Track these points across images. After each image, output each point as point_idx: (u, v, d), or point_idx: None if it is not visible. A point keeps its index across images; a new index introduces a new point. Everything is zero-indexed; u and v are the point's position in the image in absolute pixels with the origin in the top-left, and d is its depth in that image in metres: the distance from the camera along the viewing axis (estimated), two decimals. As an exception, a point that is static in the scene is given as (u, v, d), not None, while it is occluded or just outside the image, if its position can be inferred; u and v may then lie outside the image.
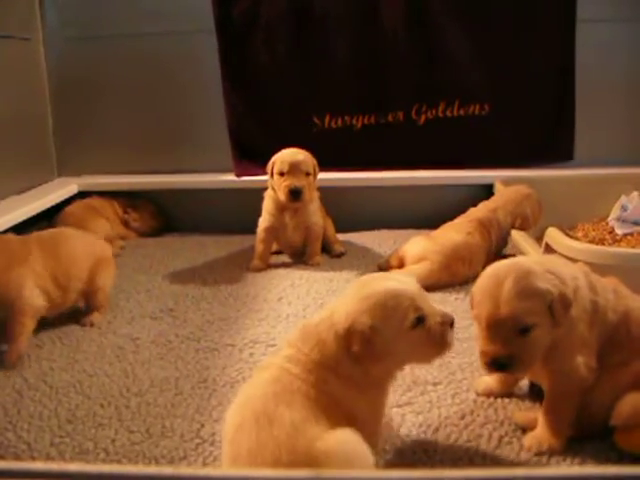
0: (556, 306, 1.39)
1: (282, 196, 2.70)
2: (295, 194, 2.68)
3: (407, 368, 1.80)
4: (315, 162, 2.78)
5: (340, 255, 2.91)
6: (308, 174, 2.72)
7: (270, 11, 3.27)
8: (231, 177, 3.36)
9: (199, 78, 3.43)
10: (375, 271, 2.60)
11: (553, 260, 1.53)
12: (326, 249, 2.94)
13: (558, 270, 1.46)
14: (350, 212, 3.24)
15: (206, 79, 3.38)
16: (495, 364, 1.41)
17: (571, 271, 1.49)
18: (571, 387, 1.45)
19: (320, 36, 3.27)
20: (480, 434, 1.51)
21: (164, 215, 3.43)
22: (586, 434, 1.47)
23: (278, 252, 2.97)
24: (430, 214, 2.94)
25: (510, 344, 1.38)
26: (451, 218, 2.71)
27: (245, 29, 3.27)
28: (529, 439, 1.47)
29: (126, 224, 3.30)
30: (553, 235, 2.16)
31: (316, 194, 2.87)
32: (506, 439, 1.50)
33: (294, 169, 2.69)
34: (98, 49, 3.44)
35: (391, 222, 3.23)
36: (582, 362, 1.45)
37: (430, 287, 2.39)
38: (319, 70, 3.30)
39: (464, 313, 2.16)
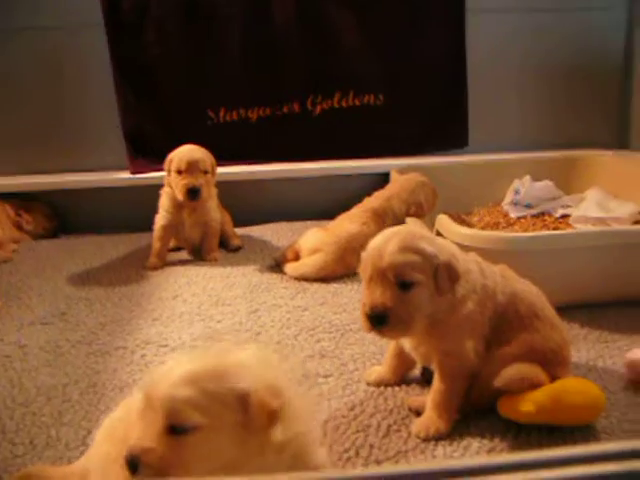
0: (441, 272, 1.41)
1: (180, 195, 2.67)
2: (193, 193, 2.65)
3: (299, 362, 1.83)
4: (213, 160, 2.75)
5: (237, 249, 2.90)
6: (206, 172, 2.69)
7: (160, 4, 3.20)
8: (126, 175, 3.30)
9: (91, 74, 3.33)
10: (271, 265, 2.62)
11: (449, 242, 1.56)
12: (224, 244, 2.92)
13: (451, 246, 1.51)
14: (248, 206, 3.23)
15: (98, 75, 3.28)
16: (373, 316, 1.40)
17: (464, 255, 1.53)
18: (460, 370, 1.48)
19: (212, 29, 3.22)
20: (369, 424, 1.52)
21: (58, 216, 3.34)
22: (475, 407, 1.51)
23: (177, 249, 2.94)
24: (328, 205, 2.95)
25: (390, 297, 1.39)
26: (348, 209, 2.71)
27: (135, 23, 3.19)
28: (417, 425, 1.49)
29: (19, 227, 3.20)
30: (443, 222, 2.20)
31: (214, 191, 2.85)
32: (394, 427, 1.51)
33: (192, 167, 2.65)
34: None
35: (289, 214, 3.24)
36: (471, 346, 1.48)
37: (325, 278, 2.42)
38: (212, 63, 3.26)
39: (358, 304, 2.18)
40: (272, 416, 1.06)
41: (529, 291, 1.59)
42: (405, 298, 1.40)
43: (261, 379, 1.08)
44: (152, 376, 1.09)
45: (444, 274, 1.41)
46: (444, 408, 1.48)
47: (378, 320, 1.40)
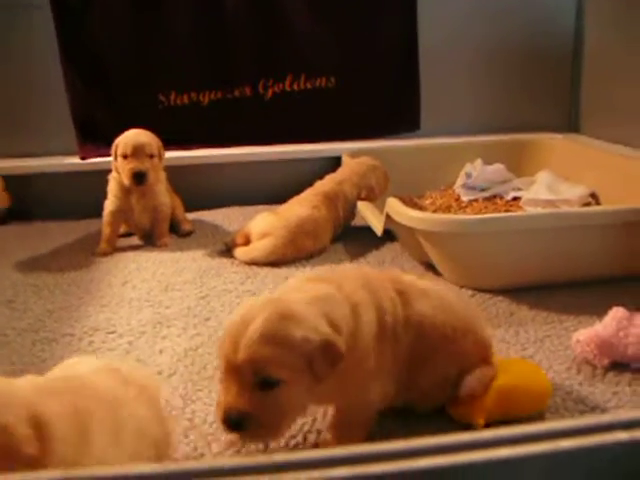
0: (317, 359, 1.14)
1: (126, 179, 2.64)
2: (138, 178, 2.62)
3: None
4: (160, 144, 2.72)
5: (188, 234, 2.87)
6: (152, 156, 2.67)
7: (107, -15, 3.13)
8: (76, 160, 3.24)
9: (38, 57, 3.25)
10: (222, 249, 2.60)
11: (331, 297, 1.25)
12: (175, 229, 2.90)
13: (333, 310, 1.22)
14: (200, 190, 3.20)
15: (45, 58, 3.21)
16: (228, 421, 1.12)
17: (354, 302, 1.27)
18: (362, 417, 1.34)
19: (161, 11, 3.16)
20: (316, 410, 1.52)
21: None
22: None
23: (128, 234, 2.90)
24: (280, 189, 2.93)
25: (247, 400, 1.12)
26: (299, 192, 2.71)
27: (81, 5, 3.12)
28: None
29: None
30: (392, 205, 2.20)
31: (163, 175, 2.82)
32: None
33: (137, 152, 2.63)
34: None
35: (241, 199, 3.21)
36: (376, 387, 1.31)
37: (276, 262, 2.42)
38: (162, 46, 3.20)
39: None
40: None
41: (431, 313, 1.37)
42: (267, 400, 1.12)
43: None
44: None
45: (321, 360, 1.14)
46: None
47: (234, 425, 1.13)
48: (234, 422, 1.12)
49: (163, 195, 2.80)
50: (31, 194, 3.27)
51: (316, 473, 0.67)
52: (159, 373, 1.69)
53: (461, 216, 2.57)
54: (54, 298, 2.25)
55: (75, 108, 3.23)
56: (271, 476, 0.67)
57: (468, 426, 1.39)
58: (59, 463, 0.89)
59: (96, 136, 3.21)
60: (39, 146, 3.31)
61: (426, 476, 0.69)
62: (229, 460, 0.69)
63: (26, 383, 0.98)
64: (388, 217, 2.24)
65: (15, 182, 3.22)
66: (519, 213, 2.59)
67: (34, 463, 0.87)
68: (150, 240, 2.81)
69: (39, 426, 0.90)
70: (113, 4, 3.15)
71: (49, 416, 0.92)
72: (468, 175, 3.07)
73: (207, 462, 0.70)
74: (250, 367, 1.11)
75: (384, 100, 3.36)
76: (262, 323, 1.12)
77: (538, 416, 1.42)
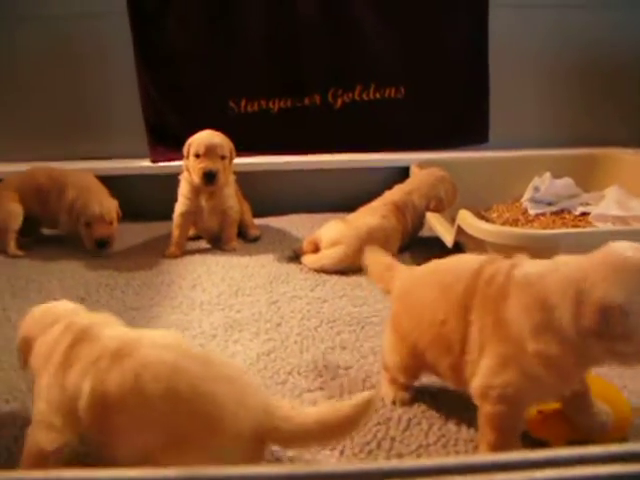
0: None
1: (197, 179, 2.67)
2: (209, 177, 2.65)
3: (319, 352, 1.82)
4: (232, 145, 2.75)
5: (255, 239, 2.89)
6: (224, 157, 2.69)
7: (184, -7, 3.19)
8: (147, 163, 3.30)
9: (113, 62, 3.31)
10: (290, 256, 2.61)
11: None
12: (242, 233, 2.92)
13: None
14: (268, 196, 3.22)
15: (120, 63, 3.26)
16: None
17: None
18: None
19: (234, 19, 3.20)
20: (390, 417, 1.51)
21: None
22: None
23: (196, 238, 2.93)
24: (348, 198, 2.93)
25: None
26: (368, 201, 2.71)
27: (158, 9, 3.17)
28: None
29: None
30: (464, 217, 2.19)
31: (232, 178, 2.85)
32: (415, 420, 1.50)
33: (209, 152, 2.65)
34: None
35: (309, 206, 3.23)
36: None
37: (344, 271, 2.42)
38: (234, 54, 3.23)
39: (378, 296, 2.18)
40: None
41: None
42: None
43: None
44: None
45: None
46: None
47: None
48: None
49: (232, 198, 2.82)
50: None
51: None
52: (232, 376, 1.70)
53: (533, 230, 2.54)
54: (126, 298, 2.29)
55: (147, 112, 3.28)
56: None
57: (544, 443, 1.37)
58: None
59: (167, 140, 3.25)
60: (110, 148, 3.37)
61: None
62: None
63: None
64: (459, 229, 2.22)
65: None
66: (590, 229, 2.55)
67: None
68: (218, 244, 2.83)
69: None
70: (188, 12, 3.20)
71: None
72: (536, 189, 3.02)
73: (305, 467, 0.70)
74: None
75: (453, 111, 3.34)
76: None
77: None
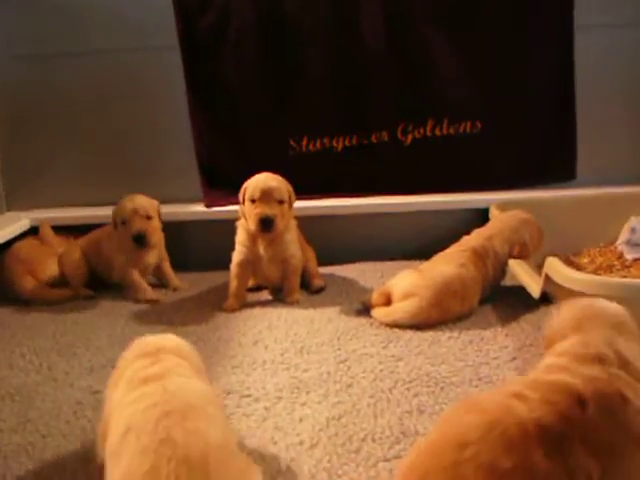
0: None
1: (252, 225, 2.71)
2: (266, 223, 2.68)
3: (395, 417, 1.83)
4: (290, 188, 2.79)
5: (320, 290, 2.91)
6: (282, 202, 2.73)
7: (239, 24, 3.26)
8: (201, 207, 3.37)
9: (163, 99, 3.42)
10: (359, 309, 2.62)
11: None
12: (306, 284, 2.94)
13: None
14: (333, 243, 3.24)
15: (171, 100, 3.38)
16: None
17: None
18: None
19: (294, 51, 3.27)
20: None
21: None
22: None
23: (257, 288, 2.98)
24: (420, 244, 2.96)
25: None
26: (443, 248, 2.71)
27: (212, 44, 3.27)
28: None
29: None
30: (553, 265, 2.18)
31: (293, 223, 2.89)
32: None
33: (266, 196, 2.70)
34: (47, 69, 3.43)
35: (378, 253, 3.23)
36: None
37: (420, 325, 2.42)
38: (294, 88, 3.31)
39: (458, 353, 2.18)
40: None
41: None
42: None
43: None
44: None
45: None
46: None
47: None
48: None
49: (293, 245, 2.85)
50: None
51: None
52: (300, 443, 1.72)
53: (633, 280, 2.50)
54: (181, 356, 2.32)
55: (201, 153, 3.37)
56: None
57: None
58: None
59: (222, 183, 3.32)
60: (161, 193, 3.40)
61: None
62: None
63: None
64: (547, 277, 2.22)
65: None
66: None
67: None
68: (279, 295, 2.86)
69: None
70: (245, 45, 3.28)
71: None
72: (632, 230, 2.98)
73: None
74: None
75: (536, 146, 3.33)
76: None
77: None
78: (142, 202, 2.94)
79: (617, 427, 1.24)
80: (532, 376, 1.39)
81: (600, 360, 1.34)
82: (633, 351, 1.39)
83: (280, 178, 2.78)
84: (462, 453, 1.18)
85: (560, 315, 1.56)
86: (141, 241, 2.89)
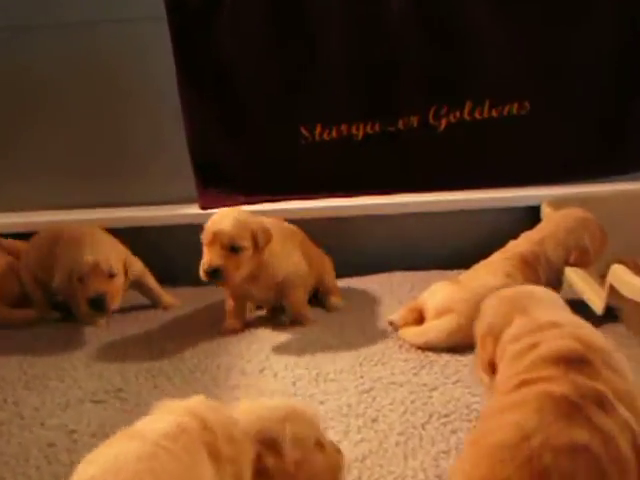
0: None
1: (200, 272, 2.61)
2: (213, 276, 2.58)
3: (430, 458, 1.82)
4: (259, 227, 2.65)
5: (337, 307, 2.92)
6: (237, 249, 2.59)
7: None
8: (195, 209, 3.36)
9: (152, 83, 3.42)
10: (385, 329, 2.62)
11: None
12: (321, 299, 2.96)
13: None
14: (353, 249, 3.25)
15: (161, 84, 3.37)
16: None
17: None
18: None
19: (305, 22, 3.23)
20: None
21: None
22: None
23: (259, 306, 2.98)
24: (457, 250, 2.96)
25: None
26: (486, 255, 2.72)
27: (206, 16, 3.23)
28: None
29: None
30: (618, 273, 2.17)
31: (290, 230, 2.89)
32: None
33: (215, 241, 2.59)
34: (11, 44, 3.42)
35: (407, 262, 3.25)
36: None
37: (458, 348, 2.42)
38: (305, 67, 3.27)
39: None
40: None
41: None
42: None
43: None
44: None
45: None
46: None
47: None
48: None
49: (284, 259, 2.77)
50: (142, 249, 3.31)
51: None
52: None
53: None
54: (174, 388, 2.33)
55: (195, 145, 3.34)
56: None
57: None
58: None
59: (220, 180, 3.30)
60: (149, 193, 3.45)
61: None
62: None
63: None
64: (611, 289, 2.21)
65: (123, 235, 3.26)
66: None
67: None
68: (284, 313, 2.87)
69: None
70: (246, 15, 3.23)
71: None
72: None
73: None
74: None
75: (595, 132, 3.31)
76: None
77: None
78: (106, 254, 2.82)
79: (621, 377, 1.48)
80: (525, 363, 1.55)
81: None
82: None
83: (245, 216, 2.67)
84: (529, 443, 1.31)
85: (489, 310, 1.85)
86: (98, 305, 2.77)
